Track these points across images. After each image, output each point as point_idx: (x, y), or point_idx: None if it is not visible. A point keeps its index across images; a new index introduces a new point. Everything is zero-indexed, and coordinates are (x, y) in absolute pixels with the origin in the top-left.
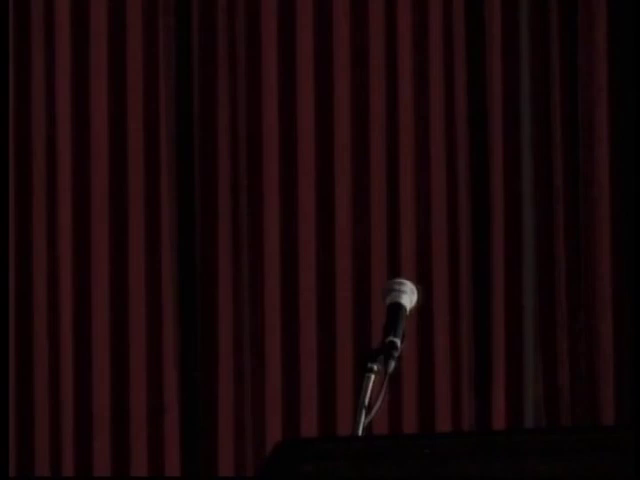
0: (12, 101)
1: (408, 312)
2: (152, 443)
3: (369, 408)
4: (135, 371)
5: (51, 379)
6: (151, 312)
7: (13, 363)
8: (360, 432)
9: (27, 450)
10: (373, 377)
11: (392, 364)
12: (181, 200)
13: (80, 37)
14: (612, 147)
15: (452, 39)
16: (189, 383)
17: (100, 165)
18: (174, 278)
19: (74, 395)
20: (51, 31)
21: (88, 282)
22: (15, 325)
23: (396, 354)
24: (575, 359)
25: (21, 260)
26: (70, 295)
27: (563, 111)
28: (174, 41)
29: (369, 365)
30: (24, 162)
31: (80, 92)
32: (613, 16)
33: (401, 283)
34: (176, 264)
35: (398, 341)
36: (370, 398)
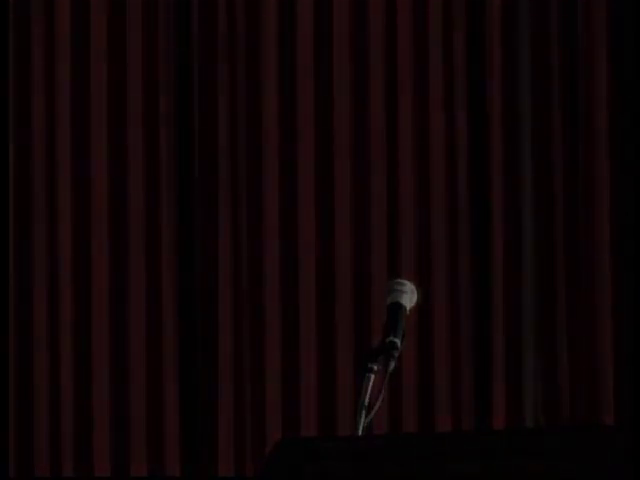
0: (12, 101)
1: (408, 312)
2: (152, 443)
3: (369, 408)
4: (135, 371)
5: (51, 379)
6: (151, 312)
7: (13, 363)
8: (360, 432)
9: (27, 450)
10: (373, 377)
11: (392, 364)
12: (181, 199)
13: (80, 36)
14: (612, 147)
15: (452, 40)
16: (189, 383)
17: (100, 165)
18: (174, 278)
19: (74, 395)
20: (51, 30)
21: (88, 283)
22: (15, 326)
23: (396, 354)
24: (575, 359)
25: (21, 261)
26: (70, 296)
27: (563, 111)
28: (174, 41)
29: (369, 365)
30: (24, 162)
31: (80, 91)
32: (613, 16)
33: (401, 283)
34: (176, 264)
35: (398, 341)
36: (370, 398)
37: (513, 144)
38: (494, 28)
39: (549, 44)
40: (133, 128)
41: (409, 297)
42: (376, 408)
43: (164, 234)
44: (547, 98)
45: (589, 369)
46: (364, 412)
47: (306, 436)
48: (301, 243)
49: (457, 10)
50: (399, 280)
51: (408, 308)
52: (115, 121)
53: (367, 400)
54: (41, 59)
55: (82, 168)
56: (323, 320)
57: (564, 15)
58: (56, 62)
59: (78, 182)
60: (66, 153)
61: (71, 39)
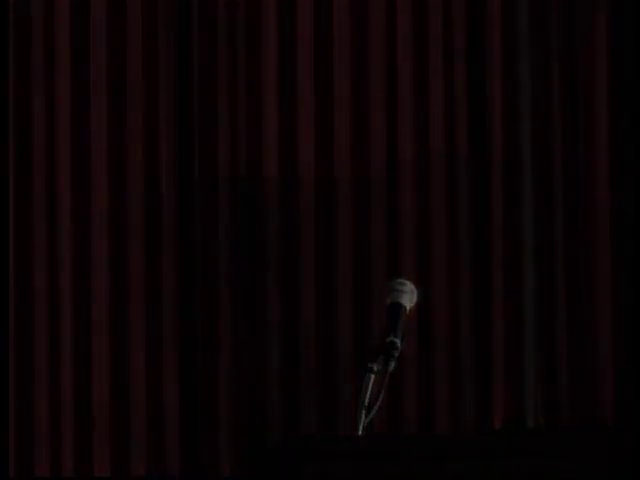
0: (12, 101)
1: (408, 312)
2: (152, 443)
3: (369, 408)
4: (135, 371)
5: (51, 378)
6: (151, 312)
7: (13, 363)
8: (360, 432)
9: (27, 450)
10: (373, 377)
11: (392, 364)
12: (181, 199)
13: (80, 36)
14: (612, 147)
15: (452, 39)
16: (189, 383)
17: (100, 165)
18: (174, 278)
19: (74, 395)
20: (51, 30)
21: (88, 283)
22: (15, 326)
23: (396, 354)
24: (575, 359)
25: (21, 261)
26: (70, 296)
27: (563, 111)
28: (174, 41)
29: (369, 365)
30: (24, 162)
31: (80, 91)
32: (613, 16)
33: (402, 283)
34: (176, 263)
35: (398, 341)
36: (370, 398)
37: (513, 144)
38: (494, 28)
39: (549, 44)
40: (133, 128)
41: (409, 297)
42: (376, 408)
43: (164, 234)
44: (547, 98)
45: (589, 369)
46: (364, 412)
47: (306, 436)
48: (301, 244)
49: (457, 10)
50: (399, 280)
51: (408, 308)
52: (115, 121)
53: (367, 400)
54: (41, 59)
55: (82, 168)
56: (323, 320)
57: (564, 15)
58: (56, 62)
59: (78, 182)
60: (66, 153)
61: (71, 39)
